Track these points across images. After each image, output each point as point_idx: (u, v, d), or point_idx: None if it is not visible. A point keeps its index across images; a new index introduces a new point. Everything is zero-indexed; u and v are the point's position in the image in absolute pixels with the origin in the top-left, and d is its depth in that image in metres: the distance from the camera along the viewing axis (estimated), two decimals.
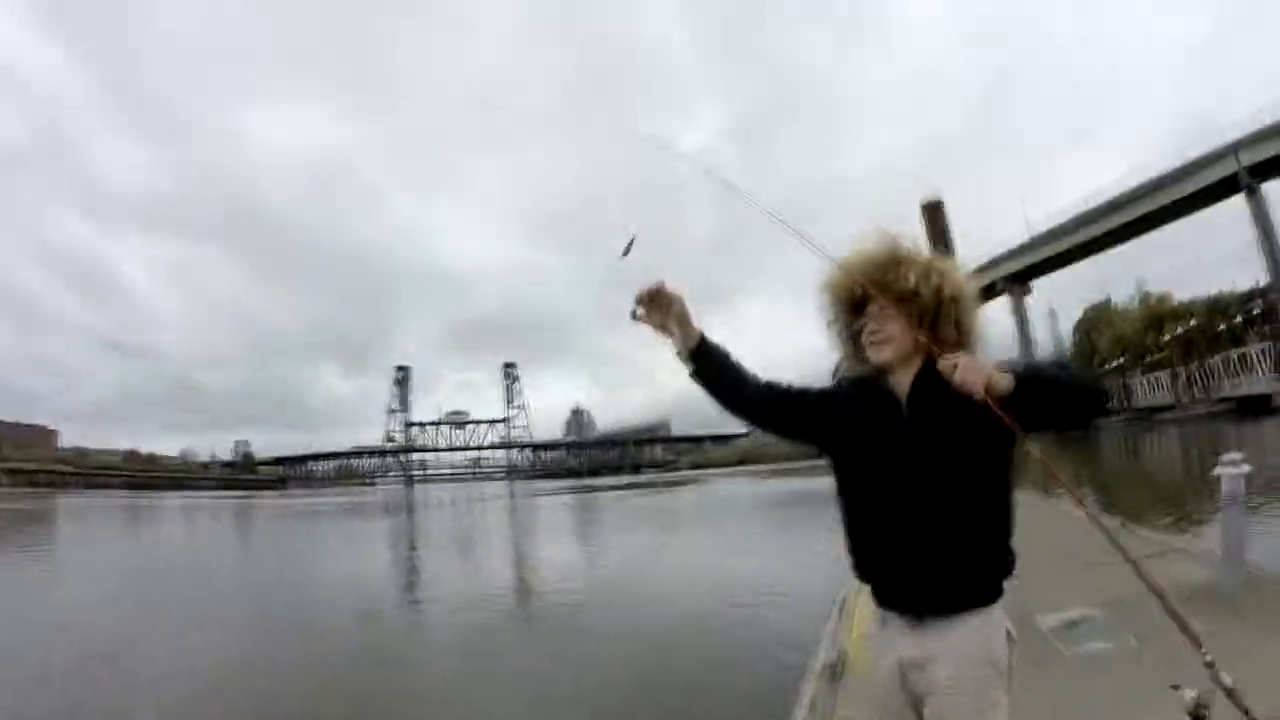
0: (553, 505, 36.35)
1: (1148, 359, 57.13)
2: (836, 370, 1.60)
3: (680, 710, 4.76)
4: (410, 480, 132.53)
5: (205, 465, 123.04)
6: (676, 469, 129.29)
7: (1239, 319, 50.42)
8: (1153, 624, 3.34)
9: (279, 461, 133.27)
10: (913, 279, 1.37)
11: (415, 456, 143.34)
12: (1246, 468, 3.86)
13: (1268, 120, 49.99)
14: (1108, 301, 69.09)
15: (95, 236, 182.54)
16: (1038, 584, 4.37)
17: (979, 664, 1.31)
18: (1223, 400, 44.83)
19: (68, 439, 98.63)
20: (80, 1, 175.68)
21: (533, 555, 15.60)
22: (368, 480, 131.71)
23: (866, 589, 1.49)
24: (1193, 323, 52.99)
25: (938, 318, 1.37)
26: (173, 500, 56.09)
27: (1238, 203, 53.16)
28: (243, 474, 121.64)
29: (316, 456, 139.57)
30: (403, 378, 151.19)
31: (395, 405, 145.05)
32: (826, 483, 1.52)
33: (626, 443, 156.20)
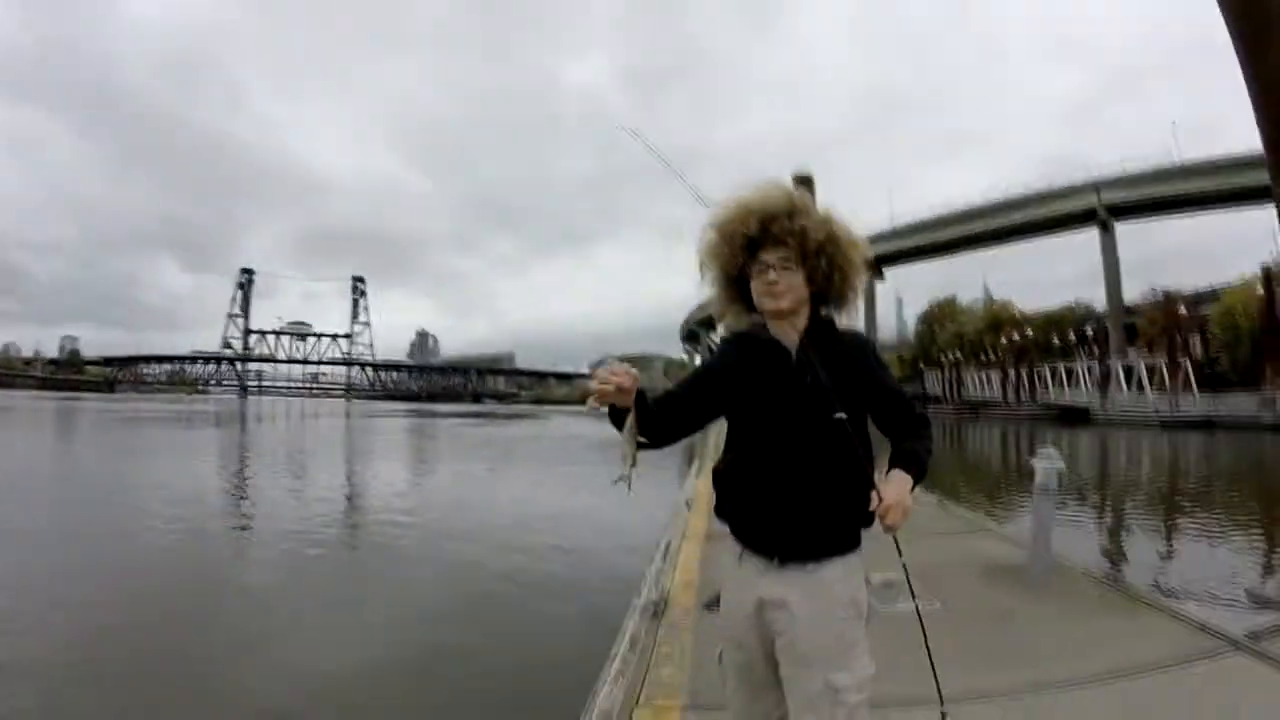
0: (391, 428, 35.52)
1: (983, 357, 63.55)
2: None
3: (506, 637, 4.68)
4: (245, 391, 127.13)
5: (28, 362, 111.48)
6: (518, 402, 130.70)
7: (1072, 337, 57.21)
8: (956, 590, 3.65)
9: (108, 362, 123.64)
10: (815, 228, 1.38)
11: (252, 366, 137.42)
12: (1060, 464, 4.22)
13: (1132, 168, 56.16)
14: (954, 299, 76.06)
15: None
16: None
17: (842, 604, 1.35)
18: (1047, 406, 50.36)
19: None
20: None
21: (365, 479, 15.03)
22: (201, 388, 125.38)
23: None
24: (1029, 332, 59.46)
25: (832, 271, 1.39)
26: None
27: (1091, 234, 59.80)
28: (69, 373, 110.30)
29: (149, 359, 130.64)
30: (246, 281, 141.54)
31: (235, 310, 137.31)
32: None
33: (470, 371, 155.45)
